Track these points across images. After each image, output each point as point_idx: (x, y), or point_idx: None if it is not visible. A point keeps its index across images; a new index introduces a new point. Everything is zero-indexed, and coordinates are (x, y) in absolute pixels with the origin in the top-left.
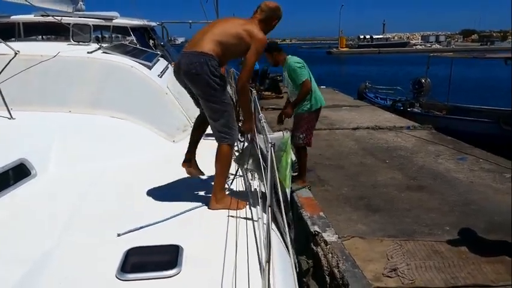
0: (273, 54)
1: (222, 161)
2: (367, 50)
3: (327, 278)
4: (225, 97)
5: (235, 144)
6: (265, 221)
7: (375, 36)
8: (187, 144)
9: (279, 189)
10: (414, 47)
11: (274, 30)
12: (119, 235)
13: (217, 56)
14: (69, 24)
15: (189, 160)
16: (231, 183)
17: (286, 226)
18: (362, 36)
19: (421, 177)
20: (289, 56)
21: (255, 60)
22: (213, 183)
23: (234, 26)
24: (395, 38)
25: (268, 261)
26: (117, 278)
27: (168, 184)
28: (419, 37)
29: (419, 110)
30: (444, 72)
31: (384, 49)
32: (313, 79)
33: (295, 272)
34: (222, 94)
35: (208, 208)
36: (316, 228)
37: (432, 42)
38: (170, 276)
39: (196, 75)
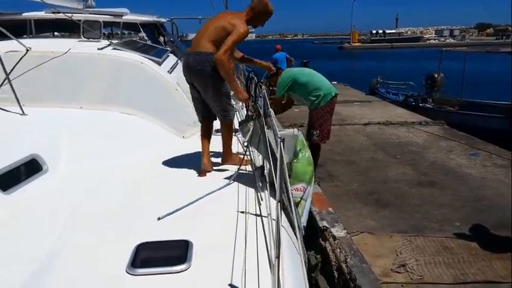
0: (273, 80)
1: (228, 133)
2: (380, 45)
3: (335, 273)
4: (225, 86)
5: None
6: (274, 217)
7: (387, 31)
8: (198, 141)
9: (289, 186)
10: (428, 41)
11: (288, 25)
12: (159, 219)
13: (214, 51)
14: (79, 20)
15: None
16: (240, 177)
17: (296, 221)
18: (374, 31)
19: (433, 173)
20: (285, 71)
21: (234, 41)
22: (223, 178)
23: (222, 21)
24: (409, 32)
25: (278, 256)
26: (127, 272)
27: (178, 180)
28: (433, 32)
29: (432, 106)
30: (458, 67)
31: (396, 44)
32: (318, 75)
33: (305, 268)
34: (223, 82)
35: (221, 162)
36: (324, 223)
37: (446, 36)
38: (180, 271)
39: (201, 71)
